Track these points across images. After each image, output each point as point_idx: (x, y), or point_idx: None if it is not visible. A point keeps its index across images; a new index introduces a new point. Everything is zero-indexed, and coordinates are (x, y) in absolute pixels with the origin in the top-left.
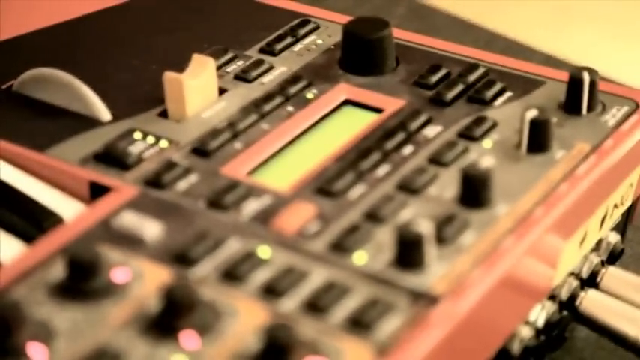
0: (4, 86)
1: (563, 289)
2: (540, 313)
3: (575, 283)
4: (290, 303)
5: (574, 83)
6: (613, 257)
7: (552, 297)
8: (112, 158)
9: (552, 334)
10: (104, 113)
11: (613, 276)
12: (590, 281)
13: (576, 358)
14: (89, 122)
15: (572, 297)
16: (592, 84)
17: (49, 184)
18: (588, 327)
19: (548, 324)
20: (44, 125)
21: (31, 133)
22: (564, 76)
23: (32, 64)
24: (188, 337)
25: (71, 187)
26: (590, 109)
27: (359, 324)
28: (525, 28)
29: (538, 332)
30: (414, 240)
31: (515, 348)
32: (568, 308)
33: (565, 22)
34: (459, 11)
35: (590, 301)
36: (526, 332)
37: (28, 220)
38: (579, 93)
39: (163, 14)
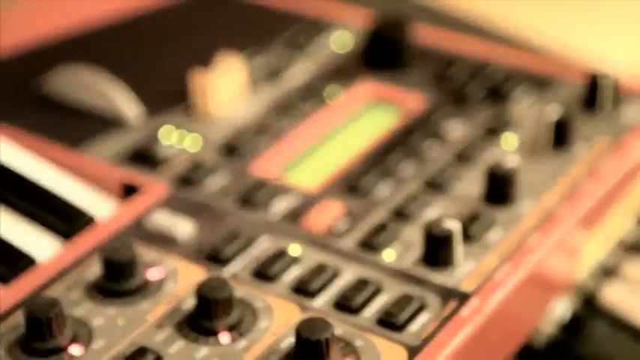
0: (36, 85)
1: (586, 283)
2: (564, 308)
3: (598, 277)
4: (322, 301)
5: (594, 82)
6: (637, 250)
7: (576, 292)
8: (143, 157)
9: (575, 328)
10: (135, 111)
11: (636, 270)
12: (614, 275)
13: (598, 353)
14: (119, 121)
15: (596, 291)
16: (612, 84)
17: (81, 182)
18: (611, 321)
19: (572, 318)
20: (76, 123)
21: (63, 132)
22: (584, 72)
23: (64, 64)
24: (223, 335)
25: (103, 185)
26: (610, 106)
27: (391, 321)
28: (542, 23)
29: (561, 327)
30: (442, 238)
31: (539, 342)
32: (591, 303)
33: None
34: (474, 8)
35: (613, 296)
36: (550, 327)
37: (62, 218)
38: (599, 91)
39: (187, 18)
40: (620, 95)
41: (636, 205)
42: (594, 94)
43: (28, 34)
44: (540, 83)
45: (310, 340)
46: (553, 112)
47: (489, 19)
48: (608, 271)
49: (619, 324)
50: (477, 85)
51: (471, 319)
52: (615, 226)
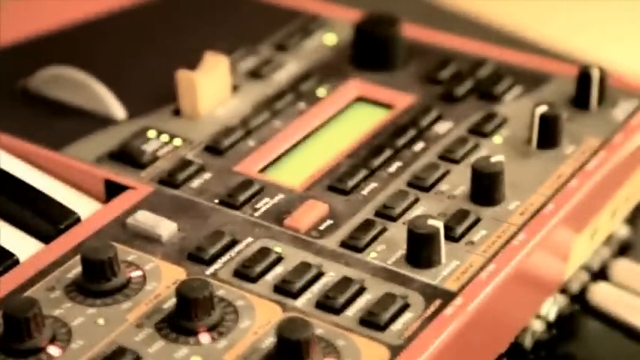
0: (19, 85)
1: (574, 282)
2: (552, 307)
3: (586, 276)
4: (304, 300)
5: (583, 78)
6: (624, 250)
7: (564, 290)
8: (127, 156)
9: (563, 327)
10: (119, 111)
11: (624, 269)
12: (601, 274)
13: (587, 352)
14: (104, 120)
15: (583, 290)
16: (601, 79)
17: (64, 182)
18: (599, 320)
19: (560, 317)
20: (59, 124)
21: (47, 132)
22: (573, 70)
23: (47, 64)
24: (204, 335)
25: (87, 186)
26: (599, 103)
27: (373, 320)
28: (532, 21)
29: (549, 326)
30: (426, 237)
31: (527, 342)
32: (579, 301)
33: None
34: (466, 6)
35: (601, 294)
36: (538, 326)
37: (45, 218)
38: (589, 88)
39: (172, 15)
40: (610, 92)
41: (625, 204)
42: (584, 91)
43: (11, 33)
44: (530, 81)
45: (290, 340)
46: (541, 109)
47: (483, 16)
48: (596, 271)
49: (608, 322)
50: (465, 82)
51: (454, 318)
52: (604, 225)
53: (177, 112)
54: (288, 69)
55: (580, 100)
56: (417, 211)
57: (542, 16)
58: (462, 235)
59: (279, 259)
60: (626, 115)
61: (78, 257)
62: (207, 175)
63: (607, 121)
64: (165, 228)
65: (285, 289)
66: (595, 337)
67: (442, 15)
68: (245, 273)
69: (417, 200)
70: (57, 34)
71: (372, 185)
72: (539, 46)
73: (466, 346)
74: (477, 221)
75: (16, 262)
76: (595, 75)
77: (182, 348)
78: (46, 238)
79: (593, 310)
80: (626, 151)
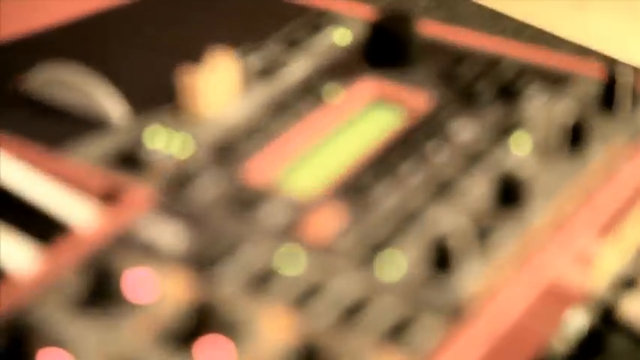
0: (15, 83)
1: (602, 295)
2: (580, 323)
3: (615, 289)
4: (318, 313)
5: (611, 80)
6: None
7: (593, 305)
8: (127, 160)
9: (590, 343)
10: (119, 112)
11: None
12: (632, 287)
13: None
14: (102, 121)
15: (613, 304)
16: (630, 80)
17: (61, 187)
18: (628, 337)
19: (588, 334)
20: (56, 124)
21: (43, 133)
22: (597, 68)
23: (44, 61)
24: (210, 349)
25: (85, 190)
26: (629, 105)
27: (392, 336)
28: (552, 16)
29: (577, 343)
30: (448, 247)
31: (552, 358)
32: (607, 316)
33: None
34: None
35: (634, 310)
36: (565, 343)
37: (40, 226)
38: (617, 89)
39: (175, 9)
40: (637, 94)
41: None
42: (612, 92)
43: (6, 30)
44: (554, 80)
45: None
46: (568, 111)
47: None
48: (627, 283)
49: (638, 339)
50: (486, 82)
51: (477, 333)
52: (634, 234)
53: (179, 112)
54: (300, 67)
55: (608, 101)
56: (438, 219)
57: (568, 11)
58: (486, 244)
59: (290, 270)
60: None
61: (77, 268)
62: (213, 181)
63: (637, 124)
64: (169, 237)
65: (298, 302)
66: (625, 356)
67: (455, 7)
68: (254, 285)
69: (438, 208)
70: (55, 31)
71: (390, 192)
72: (564, 43)
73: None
74: (502, 230)
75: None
76: (623, 76)
77: None
78: (42, 246)
79: (624, 327)
80: None
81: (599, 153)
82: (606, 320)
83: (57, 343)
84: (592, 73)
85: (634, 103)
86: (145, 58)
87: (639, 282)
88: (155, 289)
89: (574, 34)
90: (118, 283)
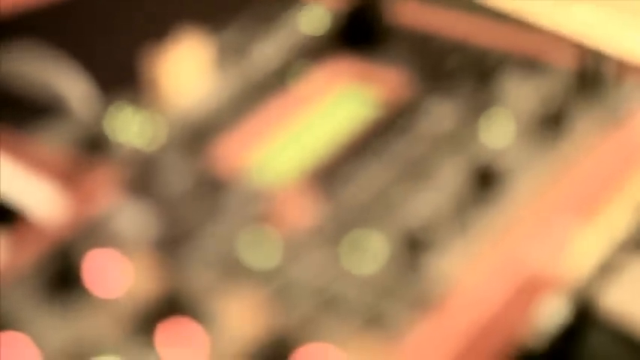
0: None
1: (583, 287)
2: (557, 317)
3: (596, 280)
4: (289, 300)
5: (590, 64)
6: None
7: (571, 297)
8: (91, 143)
9: (569, 339)
10: (81, 96)
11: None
12: (614, 276)
13: None
14: (64, 106)
15: (593, 297)
16: (608, 65)
17: (19, 175)
18: (609, 332)
19: (566, 328)
20: (14, 109)
21: (6, 116)
22: (575, 51)
23: (5, 45)
24: (176, 332)
25: (45, 179)
26: (609, 86)
27: (364, 325)
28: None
29: (554, 338)
30: (423, 235)
31: (529, 355)
32: (588, 310)
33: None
34: None
35: (613, 302)
36: (541, 337)
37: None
38: (595, 74)
39: None
40: (620, 76)
41: (637, 197)
42: (592, 74)
43: None
44: (533, 62)
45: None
46: (546, 94)
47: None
48: (607, 272)
49: (619, 335)
50: (462, 66)
51: (452, 324)
52: (615, 220)
53: (145, 97)
54: (271, 49)
55: (586, 85)
56: (412, 205)
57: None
58: (462, 229)
59: (261, 257)
60: (635, 100)
61: (36, 261)
62: (180, 169)
63: (617, 106)
64: (133, 221)
65: (270, 289)
66: (604, 351)
67: None
68: (224, 272)
69: (413, 194)
70: (12, 10)
71: (364, 177)
72: (542, 25)
73: (465, 353)
74: (477, 215)
75: None
76: (601, 60)
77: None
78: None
79: (603, 321)
80: (638, 137)
81: (577, 137)
82: (585, 314)
83: (16, 327)
84: (572, 55)
85: (615, 85)
86: (108, 40)
87: (620, 272)
88: (120, 275)
89: (557, 24)
90: (80, 269)
